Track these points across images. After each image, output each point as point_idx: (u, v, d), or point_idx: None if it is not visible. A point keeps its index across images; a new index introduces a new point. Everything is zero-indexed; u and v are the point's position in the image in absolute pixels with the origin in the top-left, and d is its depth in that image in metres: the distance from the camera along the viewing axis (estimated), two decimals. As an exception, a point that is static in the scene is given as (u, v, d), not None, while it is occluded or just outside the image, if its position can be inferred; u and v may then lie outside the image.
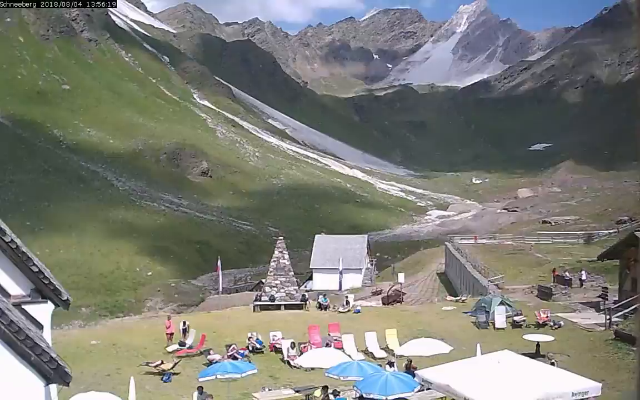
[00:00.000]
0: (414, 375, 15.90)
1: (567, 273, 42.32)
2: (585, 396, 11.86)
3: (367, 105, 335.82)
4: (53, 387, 10.85)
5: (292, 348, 25.43)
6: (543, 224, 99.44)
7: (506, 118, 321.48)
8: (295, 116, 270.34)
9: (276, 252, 38.27)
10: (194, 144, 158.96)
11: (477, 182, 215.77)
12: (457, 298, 41.35)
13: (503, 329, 29.24)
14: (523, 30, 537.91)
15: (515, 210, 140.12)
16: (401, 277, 51.93)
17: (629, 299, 29.25)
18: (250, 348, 26.58)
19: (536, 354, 23.21)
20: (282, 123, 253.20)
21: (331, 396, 17.26)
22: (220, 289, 43.84)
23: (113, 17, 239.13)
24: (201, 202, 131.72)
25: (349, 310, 35.74)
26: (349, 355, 22.44)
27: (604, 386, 12.96)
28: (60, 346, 21.36)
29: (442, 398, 16.18)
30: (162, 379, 22.29)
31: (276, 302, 36.65)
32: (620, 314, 28.60)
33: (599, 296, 34.98)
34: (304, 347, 25.78)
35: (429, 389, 15.10)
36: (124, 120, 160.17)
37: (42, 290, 12.48)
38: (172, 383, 22.08)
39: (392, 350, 25.38)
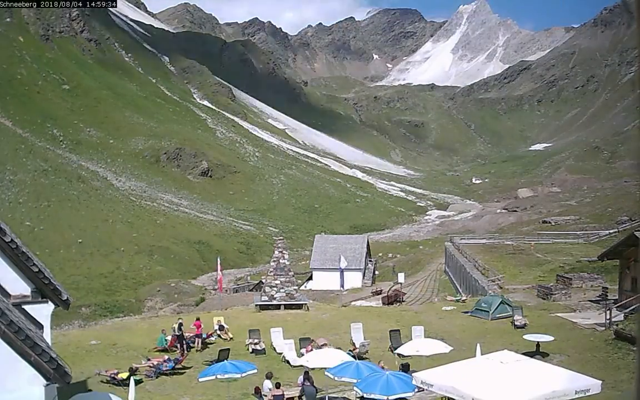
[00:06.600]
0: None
1: None
2: (587, 394, 11.90)
3: (367, 105, 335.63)
4: (53, 387, 10.84)
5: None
6: (543, 224, 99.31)
7: (506, 118, 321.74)
8: (295, 116, 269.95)
9: (276, 252, 38.21)
10: (194, 144, 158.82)
11: (477, 182, 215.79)
12: (457, 298, 41.35)
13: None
14: (523, 30, 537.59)
15: (515, 210, 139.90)
16: (401, 277, 51.94)
17: (629, 299, 29.27)
18: (251, 349, 26.55)
19: (536, 353, 23.22)
20: (282, 123, 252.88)
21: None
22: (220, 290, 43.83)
23: (113, 17, 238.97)
24: (201, 202, 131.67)
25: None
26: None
27: (603, 386, 12.96)
28: (60, 346, 21.38)
29: (442, 398, 16.18)
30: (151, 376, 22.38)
31: (276, 302, 36.65)
32: (620, 313, 28.58)
33: (599, 296, 35.01)
34: (308, 347, 25.67)
35: (428, 389, 15.08)
36: (124, 120, 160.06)
37: (42, 290, 12.48)
38: (173, 383, 22.09)
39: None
